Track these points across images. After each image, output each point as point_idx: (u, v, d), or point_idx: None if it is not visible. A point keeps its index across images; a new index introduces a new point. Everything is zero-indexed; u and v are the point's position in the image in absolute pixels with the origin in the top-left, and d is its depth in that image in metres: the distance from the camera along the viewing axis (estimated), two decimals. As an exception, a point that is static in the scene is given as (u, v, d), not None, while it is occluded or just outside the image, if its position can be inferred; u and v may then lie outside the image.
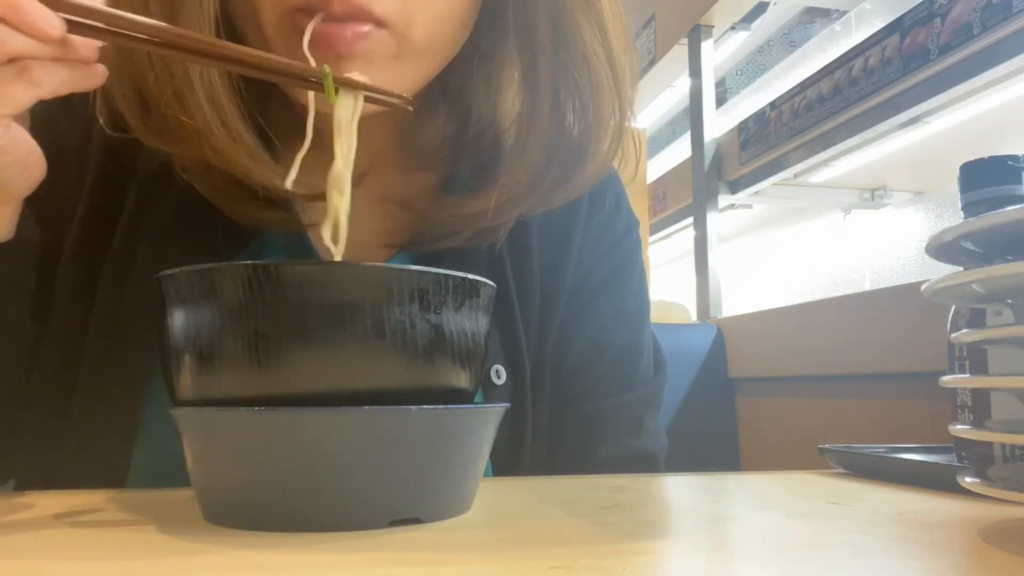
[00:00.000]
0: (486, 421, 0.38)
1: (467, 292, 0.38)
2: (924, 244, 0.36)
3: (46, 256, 0.55)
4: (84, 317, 0.55)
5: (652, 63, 2.53)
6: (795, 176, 2.23)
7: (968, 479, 0.35)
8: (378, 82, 0.49)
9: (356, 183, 0.49)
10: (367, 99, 0.46)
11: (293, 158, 0.60)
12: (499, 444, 0.58)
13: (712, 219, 2.12)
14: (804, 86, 1.87)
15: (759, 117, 2.06)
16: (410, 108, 0.47)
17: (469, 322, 0.38)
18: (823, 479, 0.56)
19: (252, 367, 0.34)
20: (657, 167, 3.03)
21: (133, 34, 0.40)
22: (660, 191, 2.71)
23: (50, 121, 0.54)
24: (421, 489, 0.36)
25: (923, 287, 0.36)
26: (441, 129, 0.64)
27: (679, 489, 0.52)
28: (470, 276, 0.38)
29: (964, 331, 0.36)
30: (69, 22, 0.38)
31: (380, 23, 0.48)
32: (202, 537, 0.34)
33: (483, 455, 0.39)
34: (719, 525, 0.38)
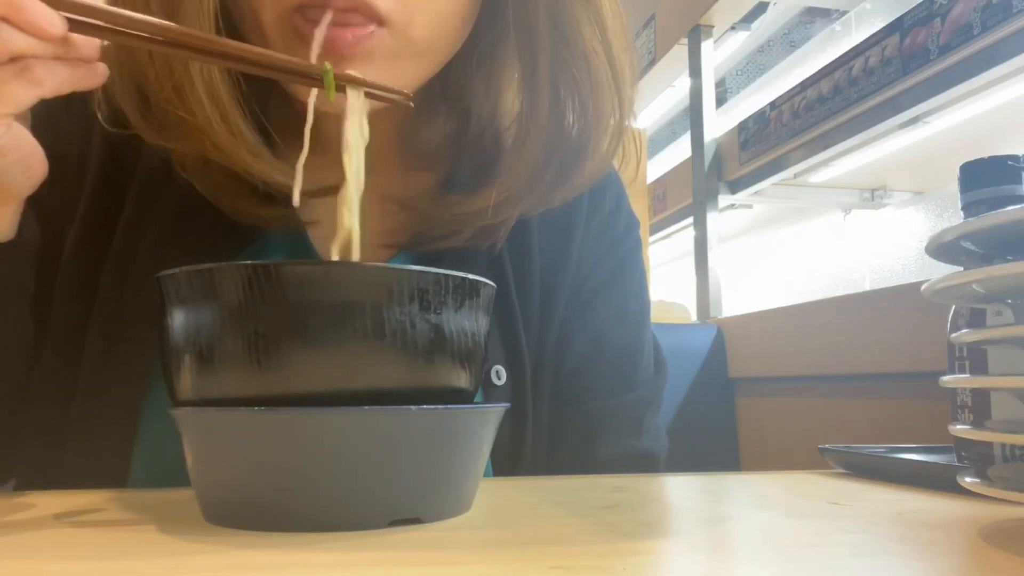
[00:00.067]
0: (486, 421, 0.38)
1: (467, 292, 0.38)
2: (924, 244, 0.36)
3: (47, 256, 0.55)
4: (85, 317, 0.55)
5: (652, 63, 2.53)
6: (795, 176, 2.23)
7: (968, 479, 0.35)
8: (378, 81, 0.49)
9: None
10: (368, 95, 0.46)
11: (294, 155, 0.60)
12: (499, 444, 0.58)
13: (712, 219, 2.12)
14: (804, 86, 1.87)
15: (759, 117, 2.06)
16: (411, 104, 0.47)
17: (469, 322, 0.38)
18: (823, 479, 0.56)
19: (252, 367, 0.34)
20: (657, 167, 3.03)
21: (134, 32, 0.40)
22: (660, 191, 2.71)
23: (51, 121, 0.54)
24: (421, 489, 0.36)
25: (923, 287, 0.36)
26: (441, 128, 0.64)
27: (679, 489, 0.52)
28: (470, 276, 0.38)
29: (964, 331, 0.36)
30: (70, 21, 0.39)
31: (381, 21, 0.48)
32: (202, 537, 0.34)
33: (483, 455, 0.39)
34: (719, 525, 0.38)
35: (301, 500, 0.34)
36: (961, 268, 0.35)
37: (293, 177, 0.53)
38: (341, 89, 0.45)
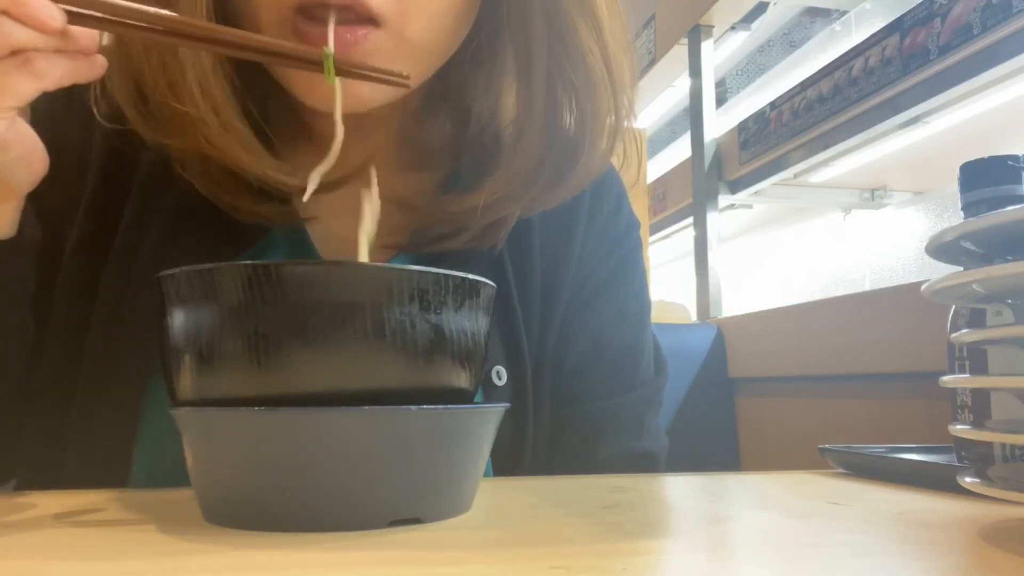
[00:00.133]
0: (486, 421, 0.38)
1: (467, 292, 0.38)
2: (924, 244, 0.36)
3: (47, 255, 0.55)
4: (85, 317, 0.55)
5: (652, 63, 2.53)
6: (795, 176, 2.23)
7: (968, 479, 0.35)
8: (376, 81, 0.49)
9: (353, 179, 0.50)
10: (367, 78, 0.46)
11: (292, 153, 0.60)
12: (500, 445, 0.58)
13: (712, 219, 2.12)
14: (804, 86, 1.87)
15: (759, 117, 2.06)
16: (409, 87, 0.47)
17: (469, 322, 0.38)
18: (823, 479, 0.56)
19: (252, 367, 0.34)
20: (657, 167, 3.02)
21: (133, 23, 0.40)
22: (660, 191, 2.71)
23: (52, 119, 0.54)
24: (421, 489, 0.36)
25: (923, 287, 0.36)
26: (441, 128, 0.64)
27: (679, 489, 0.52)
28: (470, 276, 0.38)
29: (964, 331, 0.36)
30: (69, 13, 0.39)
31: (375, 21, 0.48)
32: (202, 537, 0.34)
33: (483, 455, 0.39)
34: (719, 525, 0.38)
35: (301, 500, 0.34)
36: (961, 268, 0.35)
37: (288, 173, 0.53)
38: (340, 74, 0.45)
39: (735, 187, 2.17)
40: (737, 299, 2.99)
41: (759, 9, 2.20)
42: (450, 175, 0.62)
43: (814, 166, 2.13)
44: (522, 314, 0.61)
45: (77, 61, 0.40)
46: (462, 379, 0.38)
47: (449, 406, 0.36)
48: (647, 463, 0.65)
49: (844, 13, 2.36)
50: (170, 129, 0.51)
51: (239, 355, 0.34)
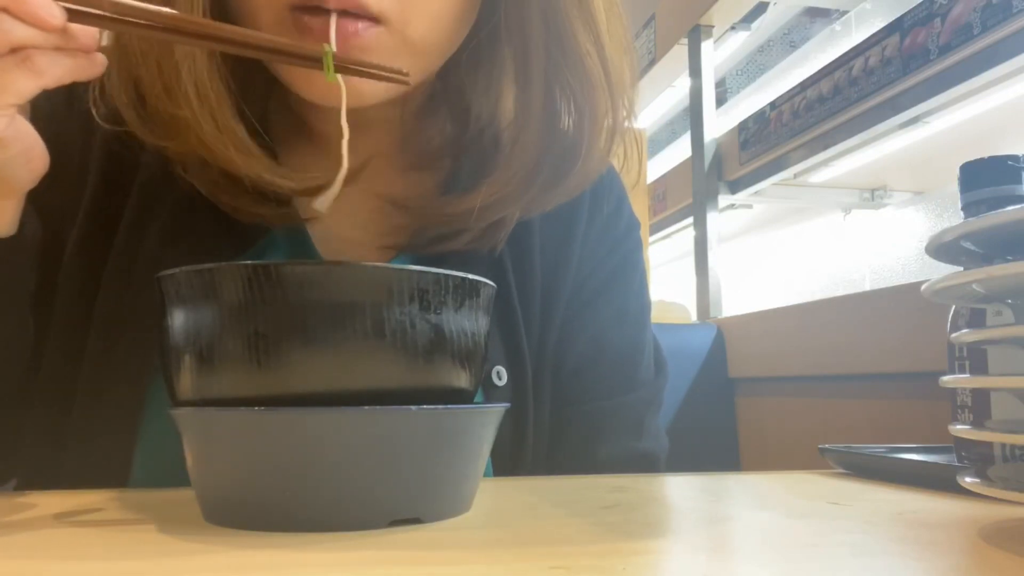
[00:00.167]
0: (486, 421, 0.38)
1: (467, 292, 0.38)
2: (924, 244, 0.36)
3: (48, 254, 0.55)
4: (86, 317, 0.55)
5: (652, 63, 2.53)
6: (795, 176, 2.23)
7: (968, 479, 0.35)
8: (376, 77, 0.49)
9: (353, 179, 0.50)
10: (367, 75, 0.46)
11: (292, 156, 0.61)
12: (500, 445, 0.58)
13: (712, 219, 2.12)
14: (804, 86, 1.87)
15: (759, 117, 2.06)
16: (409, 83, 0.47)
17: (469, 322, 0.38)
18: (823, 479, 0.56)
19: (252, 367, 0.34)
20: (657, 167, 3.02)
21: (133, 20, 0.40)
22: (660, 191, 2.71)
23: (52, 117, 0.54)
24: (421, 489, 0.36)
25: (923, 287, 0.36)
26: (441, 129, 0.64)
27: (679, 489, 0.52)
28: (470, 276, 0.38)
29: (964, 331, 0.36)
30: (69, 11, 0.39)
31: (377, 20, 0.48)
32: (202, 537, 0.34)
33: (483, 455, 0.39)
34: (719, 525, 0.38)
35: (301, 500, 0.34)
36: (961, 268, 0.35)
37: (283, 176, 0.53)
38: (340, 70, 0.45)
39: (735, 187, 2.17)
40: (737, 299, 2.99)
41: (759, 9, 2.20)
42: (450, 176, 0.62)
43: (814, 166, 2.13)
44: (522, 314, 0.61)
45: (77, 59, 0.41)
46: (462, 379, 0.38)
47: (449, 406, 0.36)
48: (647, 463, 0.65)
49: (844, 13, 2.36)
50: (166, 132, 0.51)
51: (239, 355, 0.34)
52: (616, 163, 0.62)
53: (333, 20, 0.46)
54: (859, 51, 1.67)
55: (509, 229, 0.60)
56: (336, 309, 0.34)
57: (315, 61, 0.44)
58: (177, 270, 0.36)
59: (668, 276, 3.91)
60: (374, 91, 0.51)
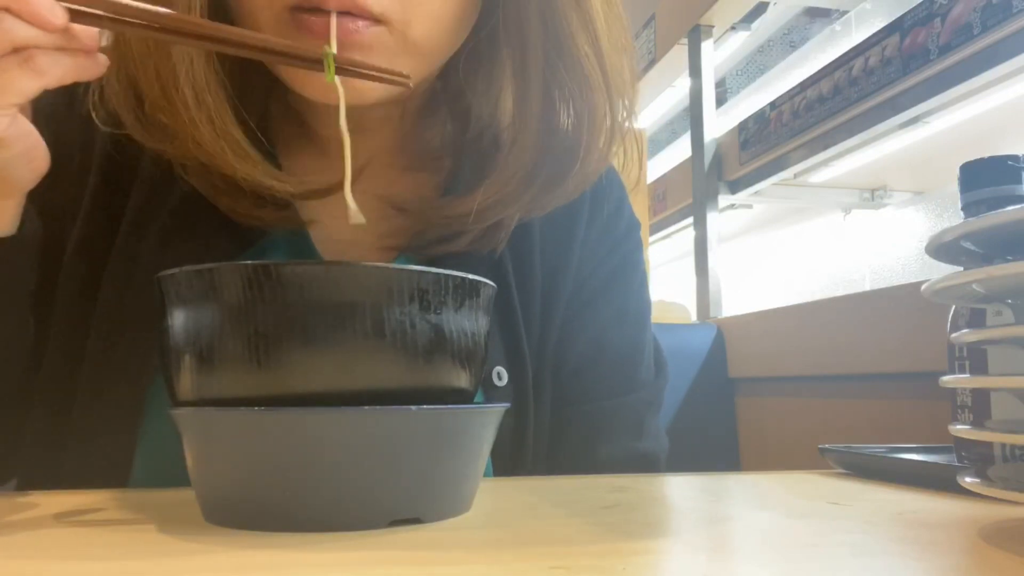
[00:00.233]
0: (486, 421, 0.38)
1: (467, 292, 0.38)
2: (924, 244, 0.36)
3: (48, 254, 0.55)
4: (87, 317, 0.55)
5: (652, 63, 2.53)
6: (795, 176, 2.23)
7: (968, 479, 0.35)
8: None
9: (353, 180, 0.50)
10: (367, 77, 0.46)
11: (293, 157, 0.61)
12: (501, 445, 0.58)
13: (712, 219, 2.12)
14: (804, 86, 1.87)
15: (759, 117, 2.06)
16: (409, 86, 0.47)
17: (469, 322, 0.38)
18: (823, 479, 0.56)
19: (252, 367, 0.34)
20: (657, 167, 3.02)
21: (134, 21, 0.40)
22: (660, 191, 2.71)
23: (54, 117, 0.54)
24: (421, 489, 0.36)
25: (923, 287, 0.36)
26: (441, 129, 0.64)
27: (679, 489, 0.52)
28: (470, 276, 0.38)
29: (964, 331, 0.36)
30: (71, 11, 0.39)
31: (377, 20, 0.48)
32: (202, 537, 0.34)
33: (483, 455, 0.39)
34: (719, 525, 0.38)
35: (301, 500, 0.34)
36: (961, 268, 0.35)
37: (281, 180, 0.53)
38: (340, 72, 0.45)
39: (735, 187, 2.17)
40: (737, 299, 2.99)
41: (759, 9, 2.20)
42: (449, 177, 0.62)
43: (814, 166, 2.13)
44: (522, 315, 0.61)
45: (79, 59, 0.41)
46: (462, 379, 0.38)
47: (449, 406, 0.36)
48: (647, 464, 0.65)
49: (844, 13, 2.36)
50: (165, 136, 0.51)
51: (239, 355, 0.34)
52: (616, 163, 0.62)
53: (333, 20, 0.46)
54: (859, 51, 1.67)
55: (509, 230, 0.60)
56: (336, 309, 0.34)
57: (315, 63, 0.44)
58: (177, 270, 0.36)
59: (668, 276, 3.91)
60: (374, 90, 0.51)
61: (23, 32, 0.38)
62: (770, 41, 2.64)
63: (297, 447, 0.33)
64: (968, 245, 0.35)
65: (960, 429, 0.37)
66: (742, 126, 2.12)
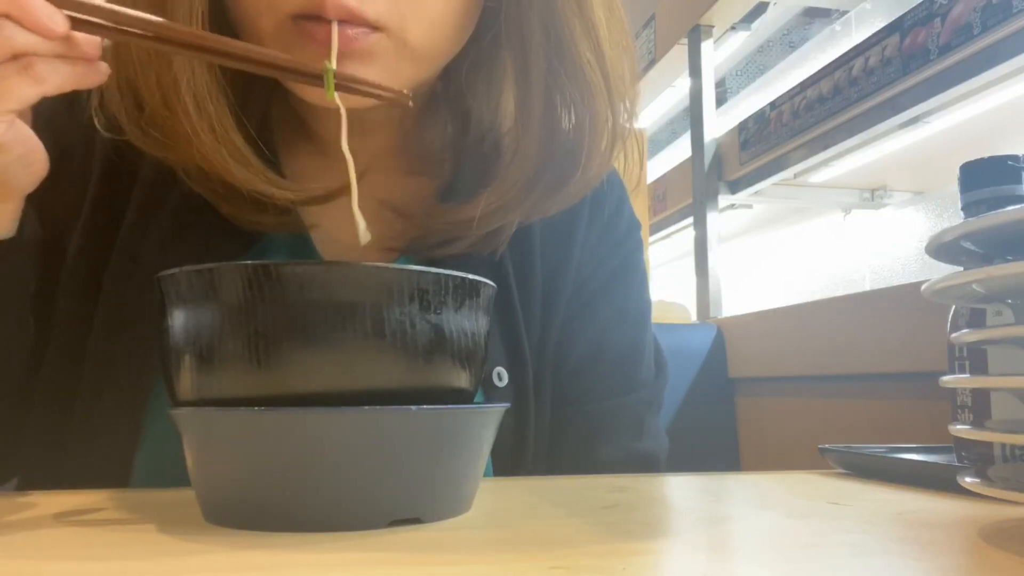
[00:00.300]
0: (486, 421, 0.38)
1: (467, 292, 0.38)
2: (924, 244, 0.36)
3: (49, 255, 0.55)
4: (88, 318, 0.55)
5: (652, 63, 2.53)
6: (795, 176, 2.23)
7: (968, 479, 0.35)
8: (378, 79, 0.49)
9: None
10: (367, 94, 0.46)
11: (294, 159, 0.61)
12: (501, 446, 0.58)
13: (712, 219, 2.12)
14: (804, 86, 1.87)
15: (759, 117, 2.06)
16: (410, 104, 0.47)
17: (469, 322, 0.38)
18: (823, 479, 0.56)
19: (252, 367, 0.34)
20: (657, 167, 3.02)
21: (136, 31, 0.40)
22: (660, 191, 2.71)
23: (54, 120, 0.54)
24: (421, 489, 0.36)
25: (923, 287, 0.36)
26: (442, 131, 0.64)
27: (679, 489, 0.52)
28: (470, 276, 0.38)
29: (964, 331, 0.36)
30: (72, 19, 0.39)
31: (375, 27, 0.48)
32: (202, 537, 0.34)
33: (483, 455, 0.39)
34: (719, 525, 0.38)
35: (301, 500, 0.34)
36: (961, 268, 0.35)
37: (282, 187, 0.53)
38: (341, 88, 0.45)
39: (735, 187, 2.17)
40: (737, 299, 2.99)
41: (759, 9, 2.20)
42: (449, 182, 0.62)
43: (814, 166, 2.13)
44: (523, 315, 0.61)
45: (78, 67, 0.41)
46: (462, 379, 0.38)
47: (449, 406, 0.36)
48: (647, 464, 0.65)
49: (844, 13, 2.36)
50: (166, 143, 0.51)
51: (239, 355, 0.34)
52: (617, 165, 0.62)
53: (335, 37, 0.46)
54: (859, 51, 1.67)
55: (510, 233, 0.60)
56: (336, 309, 0.34)
57: (316, 78, 0.44)
58: (177, 270, 0.36)
59: (668, 276, 3.91)
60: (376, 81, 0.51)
61: (23, 39, 0.38)
62: (770, 41, 2.64)
63: (297, 447, 0.33)
64: (968, 245, 0.35)
65: (960, 429, 0.37)
66: (742, 126, 2.13)
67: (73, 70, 0.40)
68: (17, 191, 0.46)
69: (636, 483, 0.52)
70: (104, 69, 0.42)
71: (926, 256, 0.37)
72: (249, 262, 0.34)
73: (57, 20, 0.38)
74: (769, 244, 3.46)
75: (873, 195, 2.63)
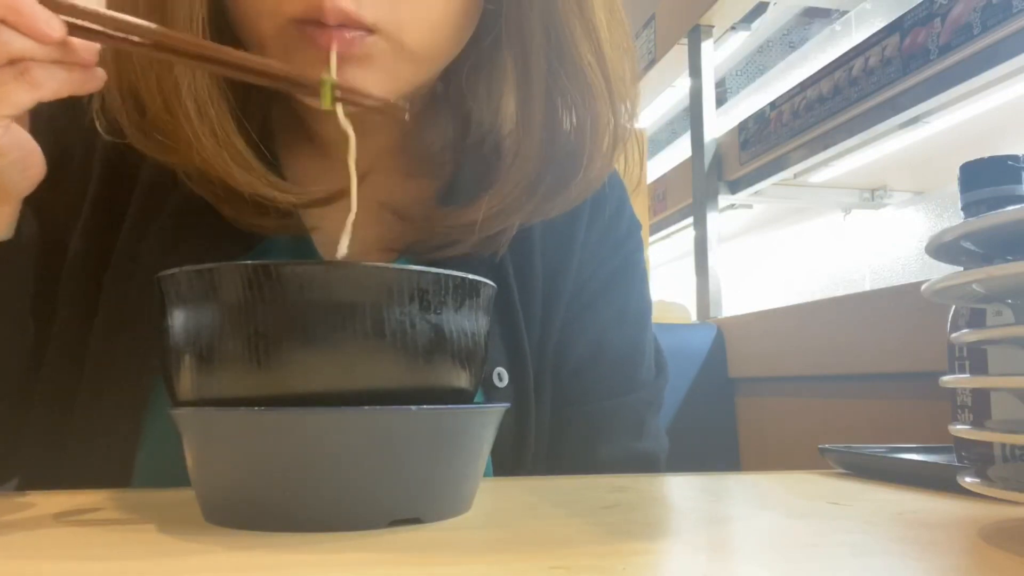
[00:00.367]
0: (486, 421, 0.38)
1: (467, 292, 0.38)
2: (924, 244, 0.36)
3: (50, 257, 0.55)
4: (88, 318, 0.55)
5: (652, 63, 2.53)
6: (795, 176, 2.23)
7: (968, 479, 0.35)
8: (378, 81, 0.49)
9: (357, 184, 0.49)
10: (364, 107, 0.46)
11: (295, 160, 0.60)
12: (502, 446, 0.58)
13: (712, 219, 2.12)
14: (804, 86, 1.87)
15: (759, 117, 2.06)
16: (406, 119, 0.47)
17: (469, 322, 0.38)
18: (823, 479, 0.56)
19: (252, 367, 0.34)
20: (657, 167, 3.02)
21: (133, 38, 0.40)
22: (660, 191, 2.71)
23: (53, 121, 0.54)
24: (421, 489, 0.36)
25: (923, 287, 0.36)
26: (442, 133, 0.64)
27: (679, 489, 0.52)
28: (470, 276, 0.38)
29: (964, 331, 0.36)
30: (69, 25, 0.38)
31: (371, 30, 0.48)
32: (202, 537, 0.34)
33: (483, 455, 0.39)
34: (719, 525, 0.38)
35: (301, 500, 0.34)
36: (961, 268, 0.35)
37: (284, 190, 0.53)
38: (339, 100, 0.44)
39: (735, 187, 2.17)
40: (737, 299, 2.99)
41: (759, 9, 2.20)
42: (449, 184, 0.62)
43: (814, 166, 2.13)
44: (524, 316, 0.61)
45: (75, 73, 0.40)
46: (462, 379, 0.38)
47: (449, 406, 0.36)
48: (647, 464, 0.65)
49: (844, 13, 2.36)
50: (167, 146, 0.51)
51: (239, 355, 0.34)
52: (617, 165, 0.62)
53: (333, 57, 0.46)
54: (859, 51, 1.67)
55: (511, 235, 0.59)
56: (336, 309, 0.34)
57: (314, 90, 0.44)
58: (177, 270, 0.36)
59: (668, 276, 3.91)
60: (375, 93, 0.51)
61: (19, 44, 0.38)
62: (770, 41, 2.64)
63: (297, 447, 0.33)
64: (968, 245, 0.35)
65: (960, 429, 0.37)
66: (742, 126, 2.13)
67: (70, 76, 0.40)
68: (13, 195, 0.46)
69: (636, 483, 0.52)
70: (101, 75, 0.42)
71: (926, 256, 0.37)
72: (249, 262, 0.34)
73: (54, 25, 0.38)
74: (769, 244, 3.46)
75: (873, 195, 2.63)
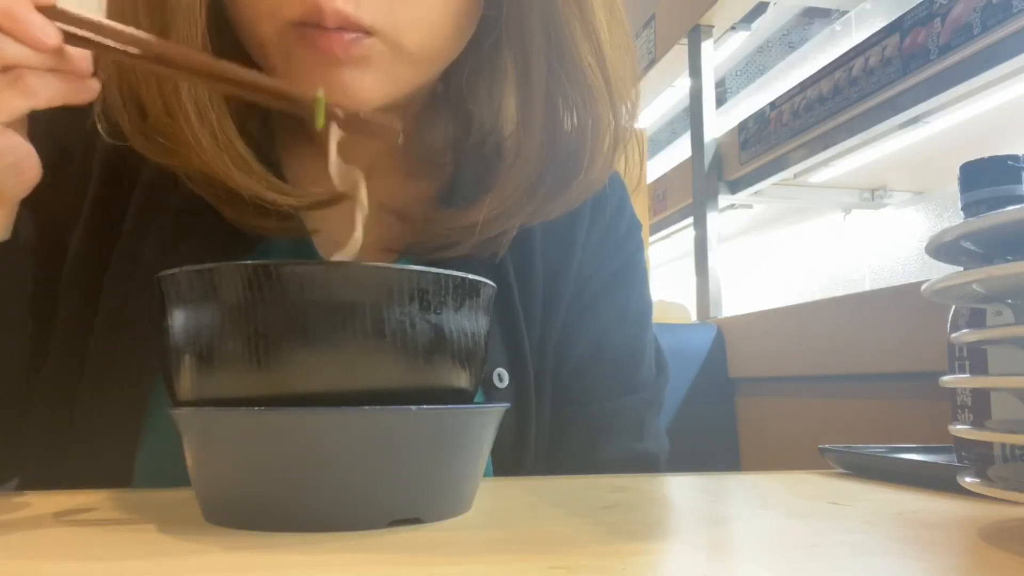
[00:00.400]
0: (486, 421, 0.38)
1: (467, 292, 0.38)
2: (924, 244, 0.36)
3: (50, 257, 0.55)
4: (88, 318, 0.55)
5: (652, 63, 2.53)
6: (795, 176, 2.23)
7: (968, 479, 0.35)
8: (376, 82, 0.49)
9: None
10: (359, 127, 0.45)
11: (296, 160, 0.60)
12: (503, 447, 0.58)
13: (712, 219, 2.12)
14: (804, 86, 1.87)
15: (759, 117, 2.06)
16: (399, 142, 0.47)
17: (469, 322, 0.38)
18: (823, 479, 0.56)
19: (252, 367, 0.34)
20: (657, 167, 3.02)
21: (128, 49, 0.40)
22: (660, 191, 2.71)
23: (52, 123, 0.54)
24: (421, 489, 0.36)
25: (923, 287, 0.36)
26: (443, 132, 0.64)
27: (679, 489, 0.52)
28: (470, 276, 0.38)
29: (964, 331, 0.36)
30: (65, 33, 0.38)
31: (370, 32, 0.48)
32: (202, 537, 0.34)
33: (483, 455, 0.39)
34: (719, 525, 0.38)
35: (301, 500, 0.34)
36: (961, 268, 0.35)
37: (285, 193, 0.53)
38: (332, 116, 0.44)
39: (735, 187, 2.17)
40: (737, 299, 2.99)
41: (759, 9, 2.20)
42: (450, 185, 0.62)
43: (814, 166, 2.13)
44: (524, 316, 0.61)
45: (70, 82, 0.40)
46: (462, 379, 0.38)
47: (449, 406, 0.36)
48: (647, 464, 0.65)
49: (844, 13, 2.36)
50: (168, 149, 0.51)
51: (239, 355, 0.34)
52: (617, 165, 0.62)
53: (333, 141, 0.46)
54: (859, 51, 1.67)
55: (511, 236, 0.59)
56: (336, 309, 0.34)
57: (309, 108, 0.44)
58: (177, 270, 0.36)
59: (668, 276, 3.91)
60: (372, 95, 0.51)
61: (14, 51, 0.38)
62: (770, 41, 2.64)
63: (297, 447, 0.33)
64: (968, 245, 0.35)
65: (960, 429, 0.37)
66: (742, 126, 2.13)
67: (64, 85, 0.40)
68: (8, 198, 0.46)
69: (636, 483, 0.52)
70: (95, 86, 0.42)
71: (926, 256, 0.37)
72: (249, 262, 0.34)
73: (49, 32, 0.38)
74: (769, 244, 3.46)
75: (873, 195, 2.63)
